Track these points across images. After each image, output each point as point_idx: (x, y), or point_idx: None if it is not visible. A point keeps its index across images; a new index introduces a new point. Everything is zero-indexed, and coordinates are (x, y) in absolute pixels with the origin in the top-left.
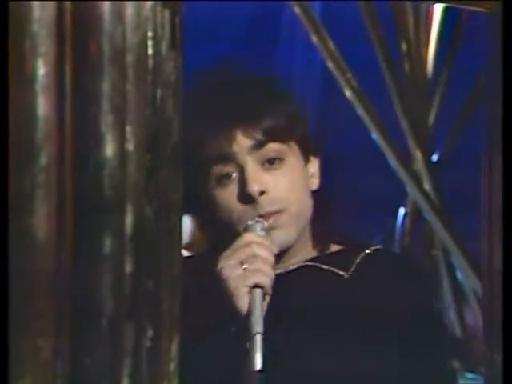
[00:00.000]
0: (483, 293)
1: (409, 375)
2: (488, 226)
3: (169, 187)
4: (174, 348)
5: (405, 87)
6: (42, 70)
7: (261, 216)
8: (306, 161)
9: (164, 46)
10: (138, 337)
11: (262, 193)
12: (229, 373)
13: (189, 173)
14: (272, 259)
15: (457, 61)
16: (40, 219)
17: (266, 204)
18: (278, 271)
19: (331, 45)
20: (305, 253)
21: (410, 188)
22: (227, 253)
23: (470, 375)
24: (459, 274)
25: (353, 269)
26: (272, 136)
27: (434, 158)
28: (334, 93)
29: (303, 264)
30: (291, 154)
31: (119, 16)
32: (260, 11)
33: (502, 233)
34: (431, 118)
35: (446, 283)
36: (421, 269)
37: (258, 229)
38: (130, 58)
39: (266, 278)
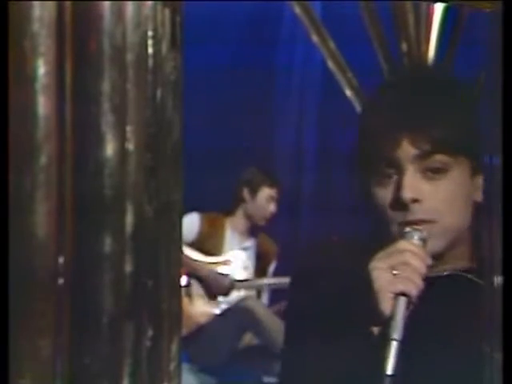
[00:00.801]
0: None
1: None
2: (488, 225)
3: (169, 187)
4: (175, 348)
5: None
6: (42, 69)
7: (410, 222)
8: (474, 173)
9: (164, 46)
10: (138, 336)
11: (415, 201)
12: (359, 372)
13: (357, 169)
14: (424, 270)
15: (457, 60)
16: (40, 218)
17: (417, 212)
18: (429, 275)
19: (332, 44)
20: (460, 261)
21: None
22: (380, 255)
23: None
24: None
25: None
26: (439, 148)
27: None
28: (334, 92)
29: (454, 273)
30: (457, 167)
31: (119, 15)
32: (260, 11)
33: (502, 232)
34: None
35: None
36: None
37: (416, 237)
38: (130, 57)
39: (414, 287)
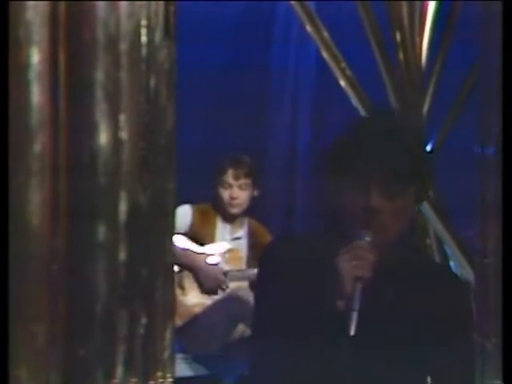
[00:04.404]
0: (476, 283)
1: None
2: (482, 215)
3: (162, 175)
4: (168, 335)
5: (399, 77)
6: (36, 57)
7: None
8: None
9: (158, 35)
10: (132, 324)
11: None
12: (330, 335)
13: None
14: (373, 261)
15: (451, 50)
16: (34, 207)
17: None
18: None
19: (326, 34)
20: None
21: None
22: (343, 251)
23: None
24: (453, 264)
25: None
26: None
27: (429, 147)
28: (328, 82)
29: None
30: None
31: (113, 4)
32: (253, 11)
33: (497, 222)
34: (425, 108)
35: None
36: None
37: (366, 238)
38: (123, 45)
39: (367, 272)
